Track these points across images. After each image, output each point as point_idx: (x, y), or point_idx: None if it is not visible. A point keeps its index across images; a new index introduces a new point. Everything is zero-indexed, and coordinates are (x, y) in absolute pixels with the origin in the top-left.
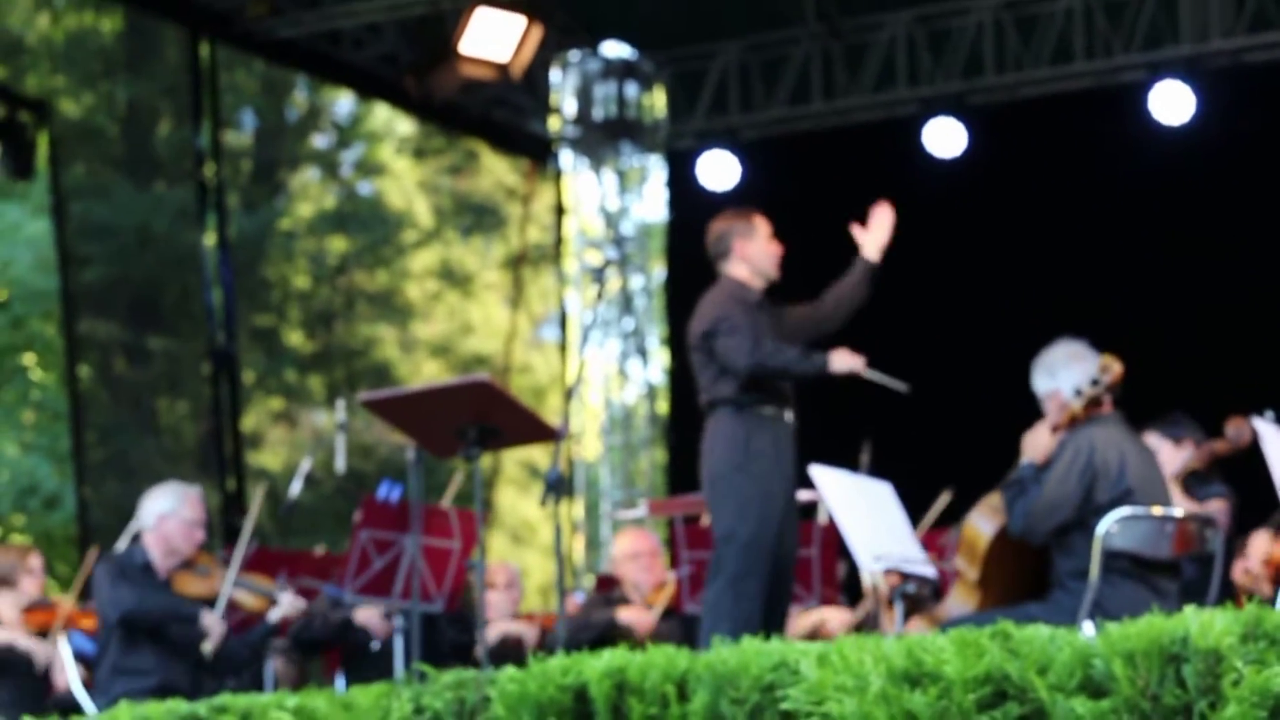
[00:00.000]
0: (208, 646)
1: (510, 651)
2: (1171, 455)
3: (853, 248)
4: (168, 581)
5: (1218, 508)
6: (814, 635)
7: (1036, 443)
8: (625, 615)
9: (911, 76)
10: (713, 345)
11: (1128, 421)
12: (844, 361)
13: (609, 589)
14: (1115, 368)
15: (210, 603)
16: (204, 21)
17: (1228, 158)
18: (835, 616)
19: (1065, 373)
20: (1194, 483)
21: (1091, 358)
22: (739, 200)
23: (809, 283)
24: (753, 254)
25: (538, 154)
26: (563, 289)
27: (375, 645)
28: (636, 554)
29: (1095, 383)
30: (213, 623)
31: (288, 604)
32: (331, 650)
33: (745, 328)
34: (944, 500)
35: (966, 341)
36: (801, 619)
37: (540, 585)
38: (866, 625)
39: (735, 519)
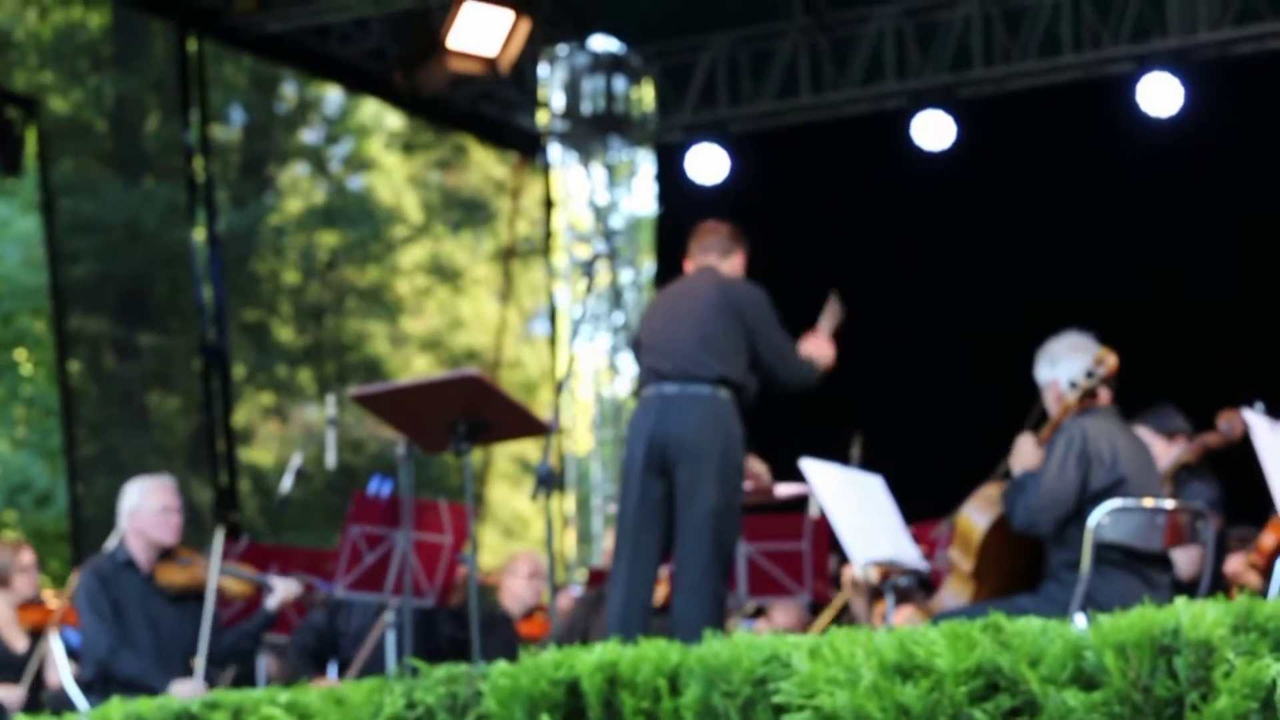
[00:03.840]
0: None
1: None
2: (1164, 450)
3: (840, 241)
4: (151, 575)
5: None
6: None
7: (1024, 455)
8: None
9: (900, 69)
10: (756, 327)
11: (1122, 415)
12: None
13: (600, 583)
14: (1110, 360)
15: (195, 591)
16: (192, 16)
17: (1215, 150)
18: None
19: (1064, 364)
20: (1184, 477)
21: (1093, 350)
22: (728, 193)
23: (796, 275)
24: (741, 271)
25: (526, 148)
26: (552, 283)
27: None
28: None
29: (1090, 375)
30: (189, 693)
31: (283, 590)
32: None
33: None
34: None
35: (956, 335)
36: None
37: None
38: (844, 619)
39: (728, 527)
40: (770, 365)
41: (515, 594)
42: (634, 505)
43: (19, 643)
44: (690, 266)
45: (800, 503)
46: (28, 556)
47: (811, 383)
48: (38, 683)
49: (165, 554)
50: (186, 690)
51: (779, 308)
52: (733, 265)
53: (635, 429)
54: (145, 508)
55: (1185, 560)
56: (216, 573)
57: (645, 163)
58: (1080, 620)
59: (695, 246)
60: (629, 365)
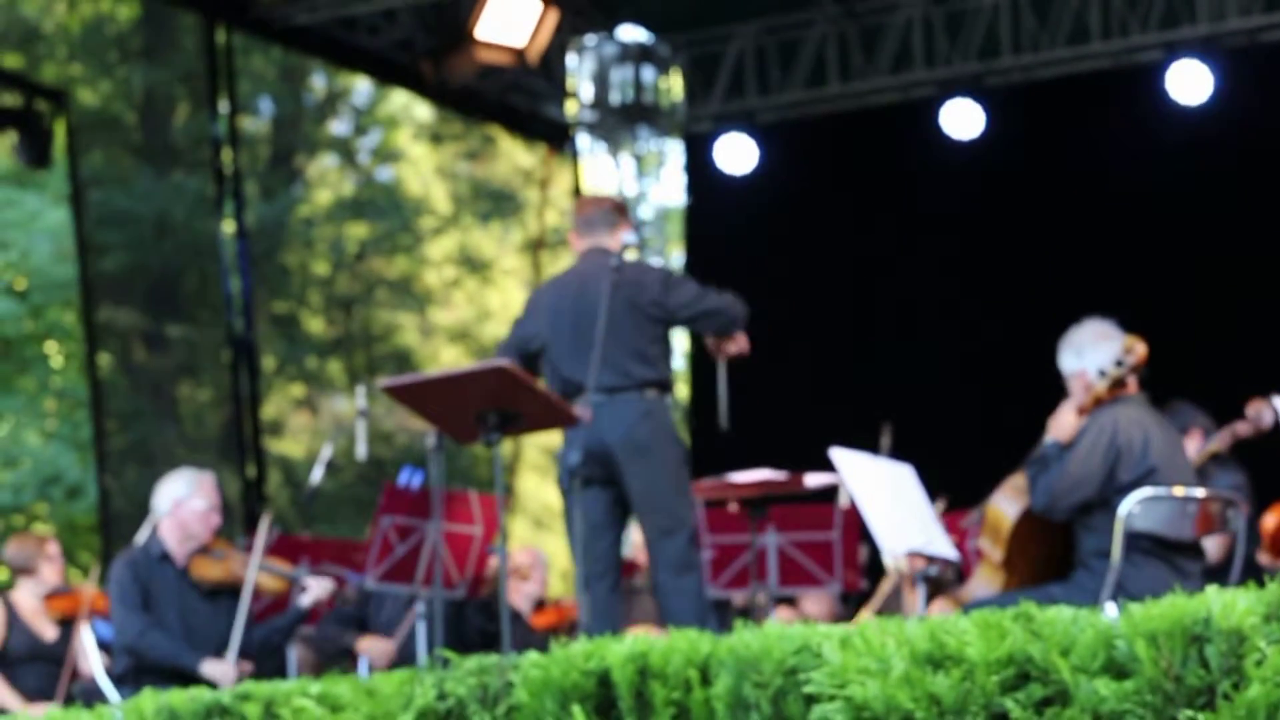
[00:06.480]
0: None
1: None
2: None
3: (868, 230)
4: (186, 569)
5: None
6: None
7: (1061, 423)
8: (365, 645)
9: (928, 58)
10: (666, 297)
11: (1151, 403)
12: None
13: (630, 574)
14: (1140, 349)
15: (230, 586)
16: (220, 8)
17: (1246, 137)
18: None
19: (1091, 353)
20: (1212, 467)
21: (1118, 338)
22: (757, 183)
23: (825, 264)
24: (625, 240)
25: (555, 139)
26: None
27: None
28: None
29: (1119, 364)
30: (219, 672)
31: (317, 588)
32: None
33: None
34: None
35: (985, 324)
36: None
37: (563, 570)
38: (888, 607)
39: (691, 512)
40: (702, 312)
41: (521, 590)
42: (581, 520)
43: (48, 631)
44: (579, 245)
45: (830, 493)
46: (53, 547)
47: (739, 316)
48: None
49: (199, 548)
50: (218, 670)
51: (808, 296)
52: (617, 238)
53: (569, 441)
54: (192, 502)
55: (1212, 545)
56: (256, 567)
57: (674, 153)
58: (1111, 609)
59: (580, 221)
60: None
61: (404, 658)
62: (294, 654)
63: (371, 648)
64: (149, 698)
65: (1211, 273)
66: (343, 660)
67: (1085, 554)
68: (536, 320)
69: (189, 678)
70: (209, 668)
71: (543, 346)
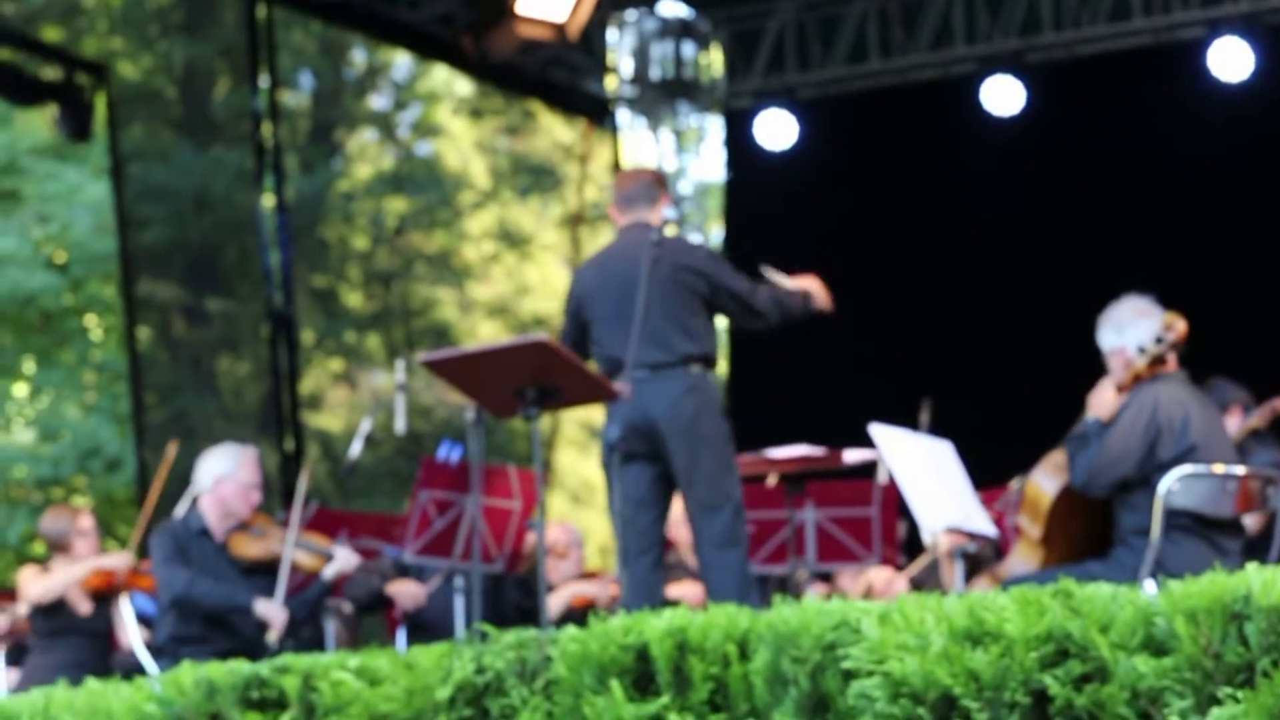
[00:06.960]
0: (272, 636)
1: (581, 613)
2: None
3: (908, 206)
4: (224, 545)
5: None
6: (867, 596)
7: (1101, 400)
8: (395, 586)
9: (969, 34)
10: (726, 287)
11: (1191, 380)
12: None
13: (667, 550)
14: (1180, 325)
15: (268, 564)
16: None
17: None
18: (881, 576)
19: (1131, 329)
20: (1251, 444)
21: (1158, 314)
22: (796, 159)
23: (865, 241)
24: (664, 214)
25: (595, 114)
26: None
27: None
28: None
29: (1159, 340)
30: (271, 611)
31: (341, 560)
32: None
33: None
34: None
35: (1025, 300)
36: (857, 581)
37: (601, 545)
38: (926, 583)
39: (736, 488)
40: (747, 309)
41: (559, 569)
42: (622, 496)
43: (83, 606)
44: (620, 220)
45: (869, 468)
46: (86, 521)
47: (801, 316)
48: (107, 643)
49: (238, 524)
50: (271, 609)
51: (847, 272)
52: (658, 213)
53: (610, 416)
54: (235, 478)
55: (1250, 521)
56: (293, 544)
57: (714, 128)
58: (1150, 586)
59: (620, 197)
60: None
61: (435, 616)
62: (331, 627)
63: (402, 589)
64: (188, 670)
65: (1251, 249)
66: (375, 610)
67: (1124, 531)
68: (579, 293)
69: (228, 651)
70: (261, 606)
71: (581, 321)
